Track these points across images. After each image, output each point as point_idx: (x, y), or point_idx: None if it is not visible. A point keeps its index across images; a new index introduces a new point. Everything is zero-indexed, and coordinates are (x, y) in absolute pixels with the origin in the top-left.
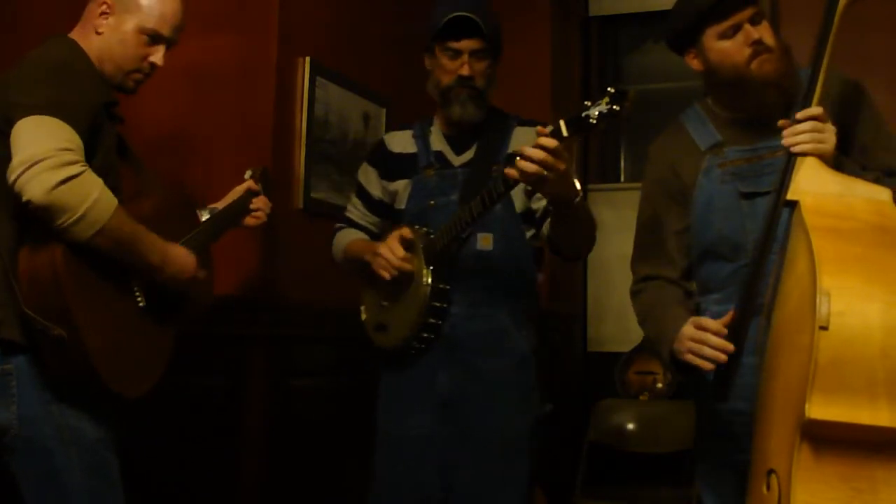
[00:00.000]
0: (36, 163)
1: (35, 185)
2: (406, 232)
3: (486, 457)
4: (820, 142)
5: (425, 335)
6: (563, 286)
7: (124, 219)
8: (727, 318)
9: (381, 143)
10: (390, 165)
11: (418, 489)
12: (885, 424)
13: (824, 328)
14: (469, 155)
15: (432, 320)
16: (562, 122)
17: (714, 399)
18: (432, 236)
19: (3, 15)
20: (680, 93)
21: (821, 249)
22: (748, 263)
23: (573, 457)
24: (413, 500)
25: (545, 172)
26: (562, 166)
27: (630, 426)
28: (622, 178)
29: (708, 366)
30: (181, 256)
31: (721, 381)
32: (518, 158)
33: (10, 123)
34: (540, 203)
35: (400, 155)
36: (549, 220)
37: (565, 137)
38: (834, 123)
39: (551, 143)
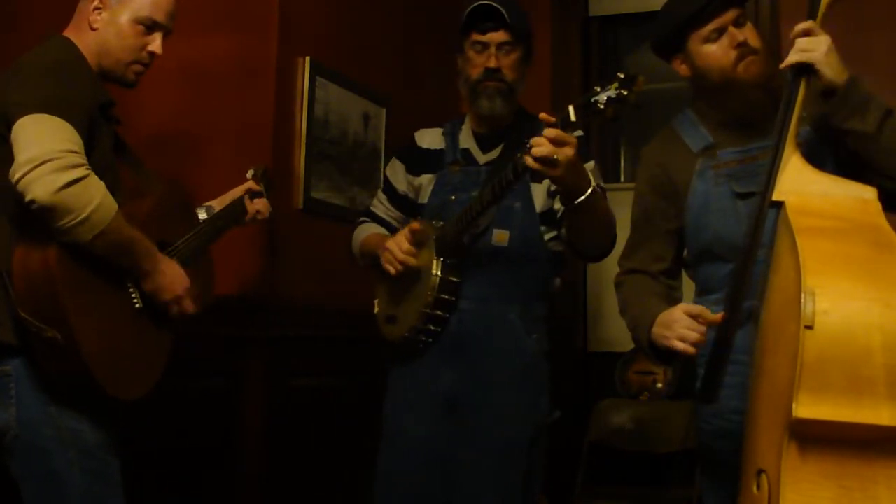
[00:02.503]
0: (42, 163)
1: (40, 186)
2: (415, 225)
3: (486, 460)
4: (804, 50)
5: (432, 328)
6: (563, 287)
7: (123, 223)
8: (717, 316)
9: (411, 139)
10: (417, 160)
11: (421, 487)
12: (872, 422)
13: (809, 327)
14: (495, 153)
15: (440, 312)
16: (570, 108)
17: (702, 401)
18: (443, 225)
19: (3, 15)
20: (680, 93)
21: (805, 249)
22: (737, 265)
23: (573, 457)
24: (416, 497)
25: (554, 156)
26: (569, 152)
27: (630, 426)
28: (622, 178)
29: (691, 350)
30: (172, 274)
31: (710, 383)
32: (528, 145)
33: (9, 123)
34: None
35: (427, 150)
36: (563, 214)
37: (573, 122)
38: (822, 123)
39: (553, 131)
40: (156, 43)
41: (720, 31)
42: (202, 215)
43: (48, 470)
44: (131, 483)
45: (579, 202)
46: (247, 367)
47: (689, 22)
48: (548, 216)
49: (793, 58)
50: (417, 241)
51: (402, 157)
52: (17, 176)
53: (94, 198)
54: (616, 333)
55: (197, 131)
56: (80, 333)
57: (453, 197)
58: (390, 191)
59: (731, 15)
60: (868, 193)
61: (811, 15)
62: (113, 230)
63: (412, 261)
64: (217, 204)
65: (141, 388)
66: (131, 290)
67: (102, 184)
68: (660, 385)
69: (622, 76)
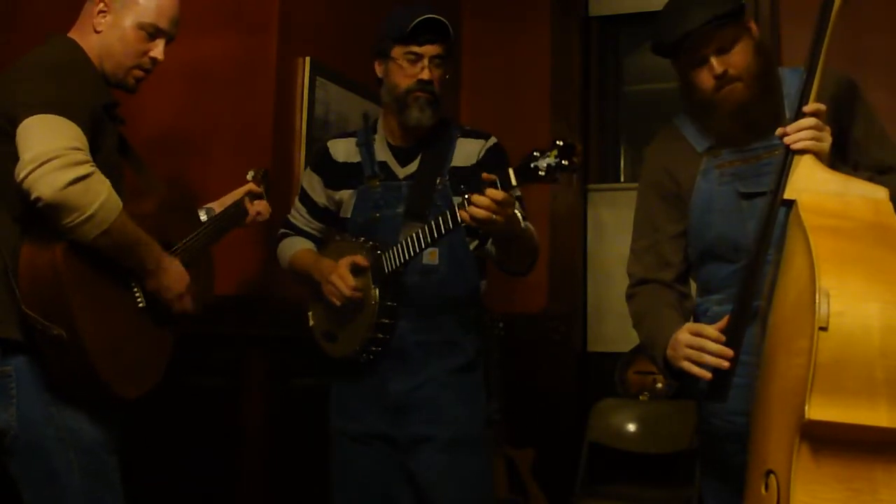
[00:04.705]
0: (46, 161)
1: (45, 184)
2: (359, 259)
3: (440, 456)
4: (819, 139)
5: (374, 348)
6: (563, 286)
7: (127, 221)
8: (723, 322)
9: (325, 151)
10: (334, 174)
11: (381, 485)
12: (884, 425)
13: (824, 329)
14: (413, 167)
15: (380, 335)
16: (511, 171)
17: (712, 400)
18: (378, 252)
19: (3, 15)
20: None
21: (819, 249)
22: (747, 263)
23: (573, 457)
24: (377, 496)
25: (493, 217)
26: (509, 212)
27: (630, 426)
28: (622, 178)
29: (706, 374)
30: (175, 272)
31: (719, 382)
32: (468, 204)
33: (14, 122)
34: None
35: (344, 164)
36: (492, 240)
37: (513, 186)
38: (829, 121)
39: (498, 195)
40: (158, 49)
41: (703, 60)
42: (203, 217)
43: (48, 470)
44: (131, 482)
45: (510, 240)
46: (247, 366)
47: (671, 51)
48: (471, 227)
49: (808, 144)
50: (356, 271)
51: (318, 169)
52: (21, 175)
53: (100, 195)
54: (616, 333)
55: (197, 131)
56: (85, 331)
57: (377, 214)
58: (310, 204)
59: (712, 46)
60: (880, 193)
61: (820, 31)
62: (118, 228)
63: (358, 295)
64: (217, 206)
65: (142, 386)
66: (135, 288)
67: (107, 181)
68: (660, 385)
69: (561, 144)
